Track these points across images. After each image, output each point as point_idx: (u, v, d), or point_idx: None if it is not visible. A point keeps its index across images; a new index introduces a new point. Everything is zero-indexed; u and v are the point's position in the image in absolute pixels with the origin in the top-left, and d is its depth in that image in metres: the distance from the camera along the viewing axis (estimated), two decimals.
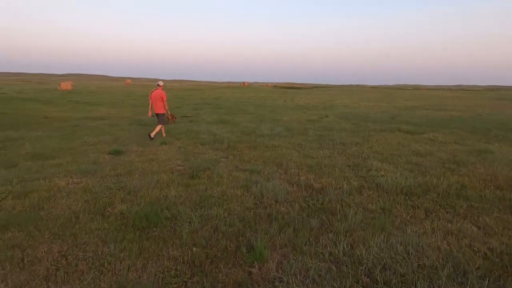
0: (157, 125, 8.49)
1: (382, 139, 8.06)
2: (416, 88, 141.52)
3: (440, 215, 3.47)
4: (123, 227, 3.11)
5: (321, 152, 6.54)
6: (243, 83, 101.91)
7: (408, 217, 3.42)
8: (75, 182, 4.55)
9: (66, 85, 42.50)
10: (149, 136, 8.08)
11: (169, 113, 9.48)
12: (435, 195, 4.04)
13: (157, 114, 8.52)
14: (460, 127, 10.61)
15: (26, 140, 7.97)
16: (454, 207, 3.68)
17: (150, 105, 8.68)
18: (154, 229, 3.08)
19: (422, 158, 6.06)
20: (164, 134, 8.54)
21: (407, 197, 3.98)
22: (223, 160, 5.90)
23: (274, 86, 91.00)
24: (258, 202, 3.80)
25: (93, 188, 4.18)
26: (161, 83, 8.78)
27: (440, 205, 3.73)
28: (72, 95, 29.19)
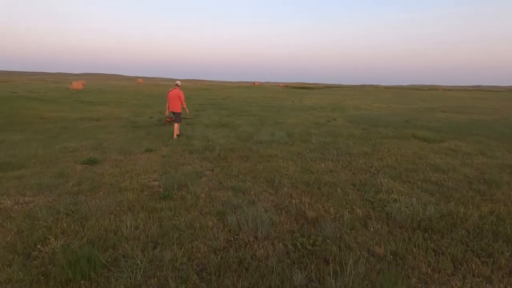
0: (176, 124, 8.53)
1: (394, 148, 7.07)
2: (432, 88, 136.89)
3: (473, 267, 2.55)
4: (42, 278, 2.34)
5: (323, 164, 5.64)
6: (254, 83, 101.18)
7: (429, 270, 2.52)
8: (24, 202, 3.85)
9: (77, 85, 43.03)
10: (175, 136, 8.31)
11: (186, 109, 9.08)
12: (464, 232, 3.11)
13: (174, 113, 8.56)
14: (485, 133, 9.45)
15: (4, 144, 7.43)
16: (491, 253, 2.74)
17: (167, 104, 8.65)
18: (82, 282, 2.30)
19: (443, 175, 5.07)
20: (175, 135, 8.42)
21: (426, 235, 3.06)
22: (207, 174, 5.10)
23: (285, 86, 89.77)
24: (232, 239, 2.98)
25: (38, 212, 3.45)
26: (179, 82, 8.87)
27: (472, 250, 2.80)
28: (80, 94, 29.15)
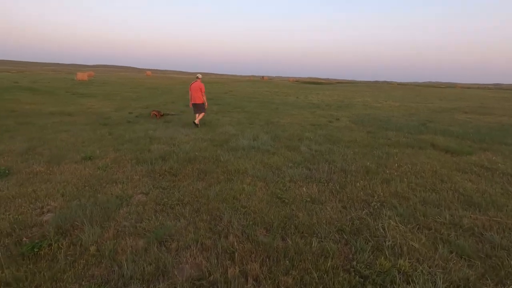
0: (200, 114, 9.02)
1: (407, 162, 5.37)
2: (450, 86, 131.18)
3: None
4: None
5: (304, 189, 4.02)
6: (263, 77, 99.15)
7: None
8: None
9: (82, 76, 42.63)
10: (195, 124, 8.78)
11: (206, 102, 9.33)
12: None
13: (196, 104, 8.99)
14: None
15: None
16: None
17: (190, 96, 9.10)
18: None
19: (480, 214, 3.39)
20: (197, 121, 8.89)
21: None
22: (135, 202, 3.57)
23: (296, 81, 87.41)
24: None
25: None
26: (199, 75, 9.37)
27: None
28: (80, 85, 28.26)
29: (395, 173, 4.73)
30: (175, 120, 9.98)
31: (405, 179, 4.46)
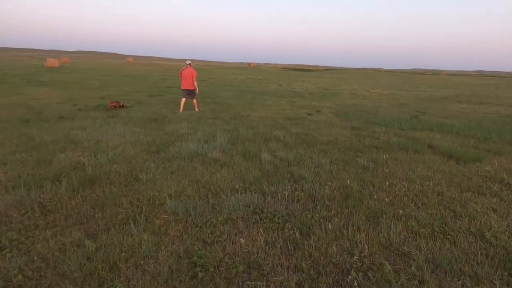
0: (193, 100, 9.35)
1: (402, 178, 3.91)
2: (435, 73, 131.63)
3: None
4: None
5: (242, 240, 2.48)
6: (249, 64, 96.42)
7: None
8: None
9: (53, 62, 39.86)
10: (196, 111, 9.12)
11: (197, 88, 9.50)
12: None
13: (188, 90, 9.14)
14: None
15: None
16: None
17: (181, 82, 9.22)
18: None
19: None
20: (196, 108, 9.39)
21: None
22: None
23: (283, 68, 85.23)
24: None
25: None
26: (189, 62, 9.36)
27: None
28: (44, 73, 25.79)
29: (386, 199, 3.25)
30: (122, 115, 8.20)
31: (400, 212, 2.98)
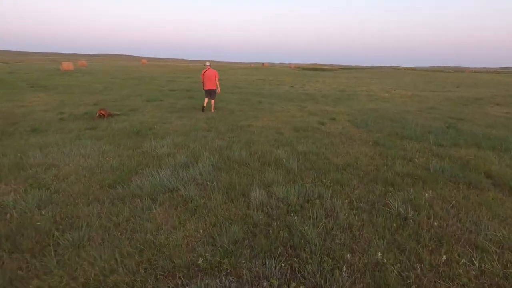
0: (212, 100, 9.55)
1: (459, 235, 2.53)
2: (458, 70, 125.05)
3: None
4: None
5: None
6: (263, 64, 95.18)
7: None
8: None
9: (68, 65, 40.33)
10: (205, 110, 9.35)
11: (219, 88, 9.85)
12: None
13: (210, 90, 9.44)
14: None
15: None
16: None
17: (203, 83, 9.45)
18: None
19: None
20: (211, 110, 9.49)
21: None
22: None
23: (298, 68, 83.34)
24: None
25: None
26: (208, 63, 9.60)
27: None
28: (55, 76, 25.57)
29: None
30: (102, 126, 7.10)
31: None
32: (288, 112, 9.49)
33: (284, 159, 4.60)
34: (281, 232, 2.64)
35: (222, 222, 2.80)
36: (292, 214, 2.96)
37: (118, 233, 2.62)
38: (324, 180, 3.79)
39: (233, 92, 15.75)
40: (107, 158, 4.66)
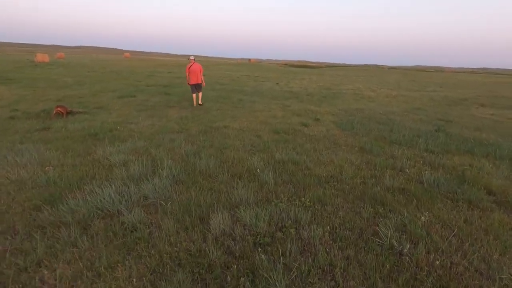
0: (199, 93, 9.50)
1: (467, 279, 1.96)
2: (438, 69, 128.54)
3: None
4: None
5: None
6: (249, 60, 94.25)
7: None
8: None
9: (43, 57, 38.30)
10: (199, 104, 9.40)
11: (203, 81, 9.85)
12: None
13: (197, 85, 9.42)
14: None
15: None
16: None
17: (188, 77, 9.35)
18: None
19: None
20: (200, 102, 9.53)
21: None
22: None
23: (285, 64, 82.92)
24: None
25: None
26: (192, 57, 9.50)
27: None
28: (25, 68, 23.86)
29: None
30: (56, 126, 6.20)
31: None
32: (270, 112, 8.86)
33: (258, 170, 3.96)
34: (242, 279, 2.00)
35: (167, 265, 2.13)
36: (260, 249, 2.33)
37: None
38: (303, 199, 3.17)
39: (214, 89, 14.95)
40: (46, 169, 3.88)
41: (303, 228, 2.63)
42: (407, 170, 4.17)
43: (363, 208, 3.06)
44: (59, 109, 7.36)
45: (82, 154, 4.46)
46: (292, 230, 2.57)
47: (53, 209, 2.85)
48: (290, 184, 3.65)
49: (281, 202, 3.09)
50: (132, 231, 2.55)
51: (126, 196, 3.11)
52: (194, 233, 2.53)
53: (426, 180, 3.78)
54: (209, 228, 2.59)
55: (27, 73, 19.76)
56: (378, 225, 2.73)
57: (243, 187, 3.43)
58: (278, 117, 8.05)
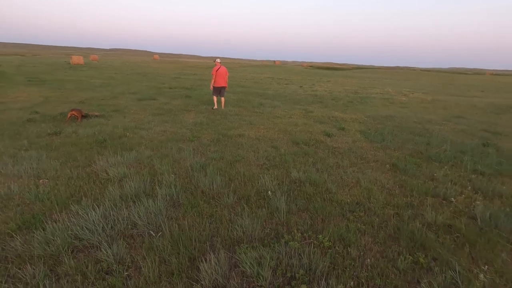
0: (222, 98, 9.33)
1: None
2: (478, 72, 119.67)
3: None
4: None
5: None
6: (275, 62, 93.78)
7: None
8: None
9: (78, 59, 40.38)
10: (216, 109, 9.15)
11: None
12: None
13: (223, 88, 9.25)
14: None
15: None
16: None
17: (214, 80, 9.08)
18: None
19: None
20: (222, 107, 9.28)
21: None
22: None
23: (310, 66, 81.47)
24: None
25: None
26: (218, 59, 9.40)
27: None
28: (59, 70, 25.14)
29: None
30: (67, 132, 6.04)
31: None
32: (291, 118, 8.24)
33: (270, 192, 3.40)
34: None
35: None
36: None
37: None
38: (320, 236, 2.56)
39: (235, 91, 14.56)
40: (40, 181, 3.58)
41: (318, 282, 2.04)
42: (452, 199, 3.40)
43: (398, 254, 2.39)
44: (73, 112, 7.26)
45: (82, 165, 4.15)
46: (304, 286, 1.98)
47: (28, 236, 2.48)
48: (307, 212, 3.05)
49: (293, 239, 2.50)
50: (107, 273, 2.10)
51: (112, 222, 2.69)
52: (179, 282, 2.03)
53: (479, 215, 3.01)
54: (199, 276, 2.07)
55: (59, 75, 20.65)
56: (419, 282, 2.07)
57: (249, 215, 2.89)
58: (299, 125, 7.42)
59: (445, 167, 4.54)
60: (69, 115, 7.22)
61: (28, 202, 3.11)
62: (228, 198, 3.24)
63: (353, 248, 2.45)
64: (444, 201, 3.39)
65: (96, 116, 7.76)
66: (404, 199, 3.41)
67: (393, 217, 2.99)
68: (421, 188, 3.66)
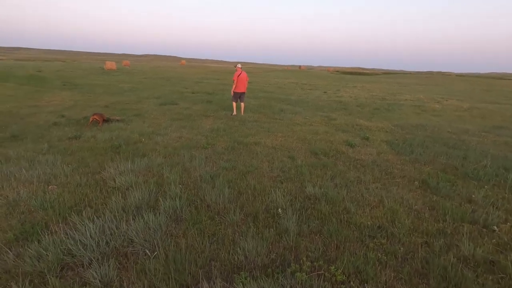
0: (242, 103, 9.29)
1: None
2: None
3: None
4: None
5: None
6: (300, 67, 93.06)
7: None
8: None
9: (111, 65, 42.54)
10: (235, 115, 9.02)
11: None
12: None
13: (241, 93, 9.18)
14: None
15: None
16: None
17: (235, 86, 9.06)
18: None
19: None
20: (241, 113, 9.16)
21: None
22: None
23: (336, 71, 79.89)
24: None
25: None
26: (239, 65, 9.36)
27: None
28: (93, 75, 26.54)
29: None
30: (86, 136, 6.14)
31: None
32: (311, 126, 7.87)
33: (280, 210, 3.10)
34: None
35: None
36: None
37: None
38: (332, 267, 2.22)
39: (257, 97, 14.39)
40: (49, 188, 3.56)
41: None
42: (495, 227, 2.91)
43: None
44: (95, 116, 7.42)
45: (92, 172, 4.10)
46: None
47: (22, 249, 2.39)
48: (319, 236, 2.72)
49: (300, 269, 2.19)
50: None
51: (108, 237, 2.53)
52: None
53: None
54: None
55: (91, 80, 21.70)
56: None
57: (254, 236, 2.62)
58: (320, 133, 7.04)
59: (485, 186, 3.98)
60: (91, 119, 7.39)
61: (32, 209, 3.06)
62: (234, 214, 2.99)
63: (371, 285, 2.10)
64: (485, 230, 2.90)
65: (117, 120, 7.90)
66: (435, 224, 2.97)
67: (421, 246, 2.58)
68: (456, 212, 3.18)
